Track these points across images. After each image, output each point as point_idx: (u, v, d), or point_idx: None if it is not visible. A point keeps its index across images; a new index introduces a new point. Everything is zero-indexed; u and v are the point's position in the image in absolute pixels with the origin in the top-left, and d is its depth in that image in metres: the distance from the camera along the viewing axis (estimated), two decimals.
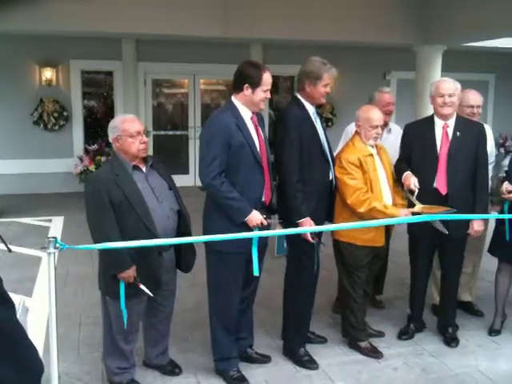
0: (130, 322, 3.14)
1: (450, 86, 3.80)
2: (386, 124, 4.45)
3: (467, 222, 3.78)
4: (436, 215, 3.46)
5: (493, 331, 4.16)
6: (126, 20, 7.22)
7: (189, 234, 3.26)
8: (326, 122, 10.64)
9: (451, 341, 3.99)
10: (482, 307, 4.54)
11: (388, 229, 3.83)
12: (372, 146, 3.70)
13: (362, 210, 3.51)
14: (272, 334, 3.88)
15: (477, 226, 3.78)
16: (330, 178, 3.60)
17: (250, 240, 3.17)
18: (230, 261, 3.28)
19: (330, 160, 3.60)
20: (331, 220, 3.73)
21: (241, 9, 7.46)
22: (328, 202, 3.64)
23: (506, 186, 3.84)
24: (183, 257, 3.33)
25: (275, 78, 10.79)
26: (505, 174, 4.12)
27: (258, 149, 3.27)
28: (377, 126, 3.64)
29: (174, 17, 7.31)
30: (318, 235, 3.50)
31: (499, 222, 3.99)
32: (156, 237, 3.00)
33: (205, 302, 3.58)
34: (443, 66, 8.57)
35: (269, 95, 3.27)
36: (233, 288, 3.37)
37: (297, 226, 3.36)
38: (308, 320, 3.81)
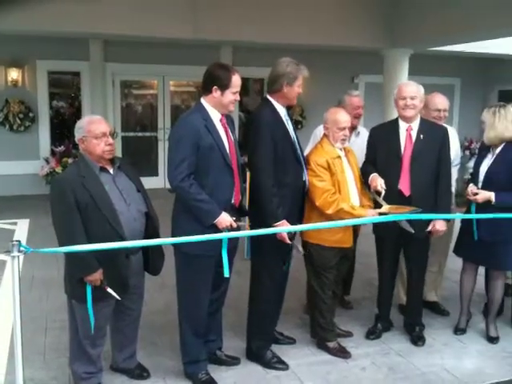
0: (96, 325, 3.10)
1: (411, 88, 3.87)
2: (354, 127, 4.51)
3: (429, 224, 3.84)
4: (402, 215, 3.51)
5: (458, 330, 4.24)
6: (94, 20, 7.11)
7: (157, 237, 3.22)
8: (296, 125, 10.69)
9: (418, 340, 4.06)
10: (447, 306, 4.63)
11: (355, 230, 3.87)
12: (340, 149, 3.73)
13: (329, 211, 3.54)
14: (241, 336, 3.88)
15: (439, 225, 3.83)
16: (304, 179, 3.61)
17: (219, 242, 3.16)
18: (199, 263, 3.26)
19: (303, 161, 3.61)
20: (301, 222, 3.75)
21: (210, 10, 7.44)
22: (301, 203, 3.66)
23: (470, 188, 3.92)
24: (151, 259, 3.30)
25: (245, 80, 10.84)
26: (470, 176, 4.21)
27: (228, 151, 3.26)
28: (344, 128, 3.68)
29: (143, 17, 7.23)
30: (291, 238, 3.51)
31: (465, 223, 4.06)
32: (123, 239, 2.97)
33: (174, 304, 3.55)
34: (410, 70, 8.70)
35: (238, 97, 3.27)
36: (202, 291, 3.35)
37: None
38: (273, 323, 3.82)
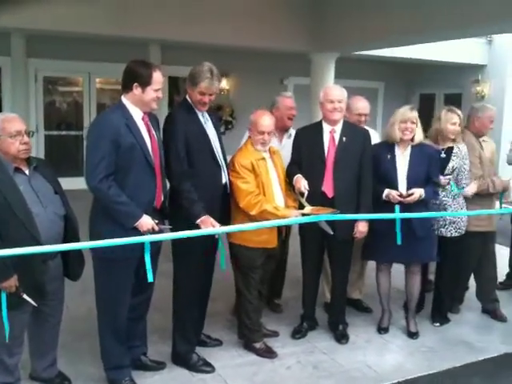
0: (12, 334, 2.94)
1: (339, 92, 3.95)
2: (287, 129, 4.56)
3: (352, 225, 3.93)
4: (322, 216, 3.57)
5: (381, 329, 4.35)
6: (16, 14, 6.79)
7: (77, 240, 3.10)
8: (226, 125, 10.72)
9: (341, 337, 4.15)
10: (370, 304, 4.76)
11: (281, 231, 3.90)
12: (265, 151, 3.75)
13: (253, 212, 3.55)
14: (168, 339, 3.81)
15: (361, 227, 3.93)
16: (224, 181, 3.58)
17: (140, 246, 3.05)
18: (118, 268, 3.16)
19: (223, 163, 3.59)
20: (227, 224, 3.72)
21: (138, 7, 7.29)
22: (222, 206, 3.62)
23: (395, 192, 3.96)
24: (71, 264, 3.18)
25: (175, 79, 10.73)
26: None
27: (150, 150, 3.18)
28: (263, 133, 3.67)
29: (67, 13, 6.98)
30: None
31: (384, 228, 4.03)
32: (39, 243, 2.83)
33: (96, 309, 3.44)
34: (337, 73, 8.91)
35: (161, 95, 3.20)
36: (121, 296, 3.26)
37: (190, 228, 3.31)
38: (198, 326, 3.79)
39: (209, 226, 3.27)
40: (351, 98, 4.52)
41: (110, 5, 7.24)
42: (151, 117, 3.30)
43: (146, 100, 3.14)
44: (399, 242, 3.96)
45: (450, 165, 4.23)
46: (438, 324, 4.51)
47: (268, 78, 10.53)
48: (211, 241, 3.43)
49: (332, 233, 3.66)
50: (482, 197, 4.45)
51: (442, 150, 4.26)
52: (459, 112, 4.25)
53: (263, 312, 4.12)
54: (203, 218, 3.31)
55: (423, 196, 3.93)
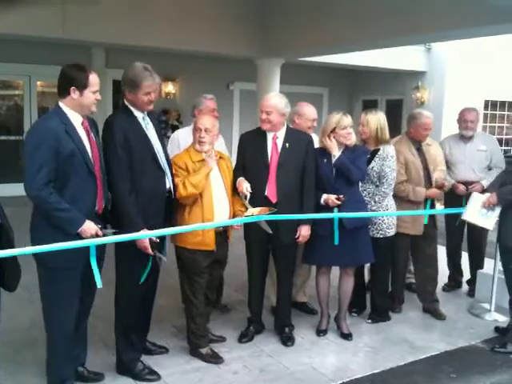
0: None
1: (268, 103, 3.96)
2: None
3: (296, 229, 3.98)
4: (262, 216, 3.64)
5: (320, 332, 4.40)
6: None
7: (12, 249, 2.98)
8: (173, 130, 10.63)
9: (287, 340, 4.19)
10: (316, 306, 4.81)
11: (217, 231, 3.79)
12: (204, 152, 3.74)
13: (184, 193, 3.56)
14: (112, 348, 3.74)
15: (304, 231, 3.99)
16: (168, 186, 3.55)
17: (84, 253, 2.99)
18: (64, 276, 3.08)
19: (167, 168, 3.55)
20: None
21: (79, 9, 7.13)
22: (167, 211, 3.58)
23: (333, 196, 4.03)
24: (6, 274, 3.04)
25: (119, 83, 10.53)
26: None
27: (91, 155, 3.12)
28: (200, 130, 3.72)
29: (6, 14, 6.75)
30: (157, 248, 3.42)
31: (322, 231, 4.10)
32: None
33: (40, 319, 3.31)
34: (282, 79, 9.01)
35: (99, 97, 3.15)
36: (68, 305, 3.17)
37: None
38: (141, 333, 3.74)
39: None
40: (300, 104, 4.64)
41: (51, 6, 7.05)
42: (90, 121, 3.24)
43: (86, 103, 3.09)
44: (336, 242, 4.04)
45: (370, 166, 4.34)
46: (369, 321, 4.65)
47: (214, 82, 10.52)
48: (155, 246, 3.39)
49: (271, 232, 3.72)
50: (411, 201, 4.62)
51: (369, 151, 4.38)
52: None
53: (210, 316, 4.10)
54: (140, 232, 3.27)
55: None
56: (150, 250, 3.33)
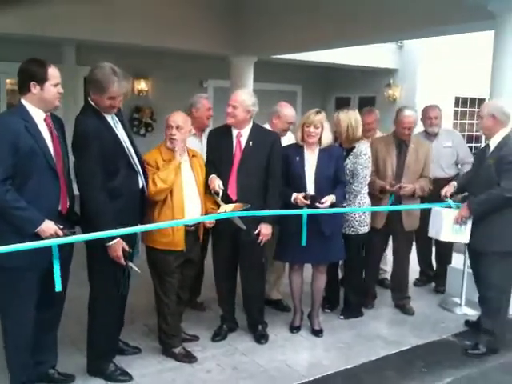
0: None
1: (234, 97, 4.00)
2: (204, 129, 4.73)
3: (257, 227, 3.93)
4: (234, 213, 3.65)
5: (294, 328, 4.41)
6: None
7: None
8: (146, 128, 10.54)
9: (261, 338, 4.19)
10: (290, 303, 4.82)
11: (188, 231, 3.77)
12: (177, 150, 3.70)
13: (154, 189, 3.54)
14: (83, 350, 3.69)
15: (264, 229, 3.94)
16: (140, 185, 3.50)
17: (45, 254, 2.92)
18: (20, 278, 3.00)
19: (139, 167, 3.50)
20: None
21: (49, 6, 7.01)
22: (141, 211, 3.55)
23: (302, 195, 4.03)
24: None
25: None
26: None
27: (53, 153, 3.05)
28: (171, 127, 3.70)
29: None
30: (129, 257, 3.37)
31: (292, 229, 4.10)
32: None
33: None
34: (256, 77, 9.00)
35: (61, 90, 3.09)
36: (24, 309, 3.09)
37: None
38: (114, 334, 3.69)
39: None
40: (281, 105, 4.69)
41: (20, 3, 6.92)
42: (54, 118, 3.18)
43: (48, 97, 3.03)
44: (304, 243, 4.04)
45: (345, 163, 4.37)
46: (342, 317, 4.70)
47: (188, 80, 10.45)
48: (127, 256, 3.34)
49: (245, 227, 3.71)
50: (374, 196, 4.66)
51: (344, 150, 4.42)
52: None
53: (183, 316, 4.08)
54: (115, 241, 3.22)
55: (334, 201, 4.04)
56: (122, 260, 3.28)
